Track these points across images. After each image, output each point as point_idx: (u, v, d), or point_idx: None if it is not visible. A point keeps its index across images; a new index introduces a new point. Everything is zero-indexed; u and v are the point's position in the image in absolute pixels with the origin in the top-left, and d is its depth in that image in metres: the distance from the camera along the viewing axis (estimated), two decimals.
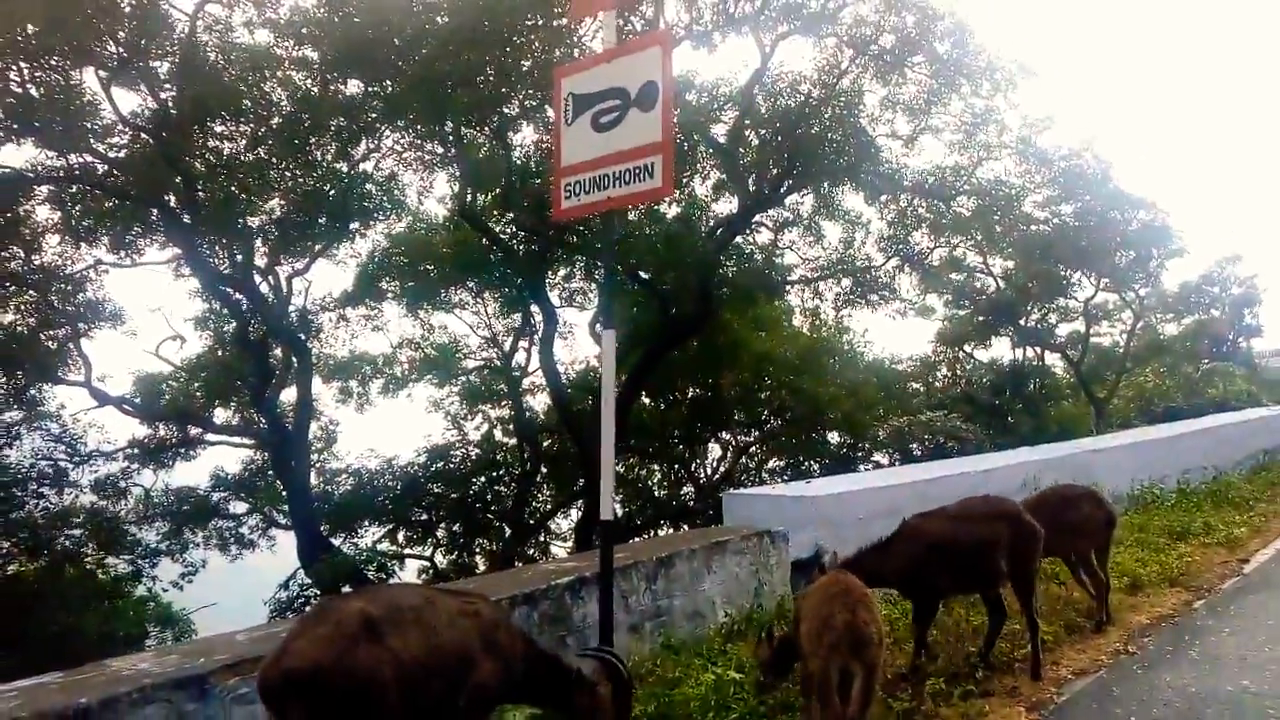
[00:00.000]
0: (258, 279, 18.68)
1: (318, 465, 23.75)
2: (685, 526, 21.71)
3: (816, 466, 26.32)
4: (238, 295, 17.82)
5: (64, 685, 3.69)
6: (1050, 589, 7.59)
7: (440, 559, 22.78)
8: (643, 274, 17.98)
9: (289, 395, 23.05)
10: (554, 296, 24.93)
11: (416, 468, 21.87)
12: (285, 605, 17.82)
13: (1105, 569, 7.16)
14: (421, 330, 25.99)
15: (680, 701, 5.01)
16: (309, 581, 17.74)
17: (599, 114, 5.32)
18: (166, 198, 15.86)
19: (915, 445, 26.19)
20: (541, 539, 25.60)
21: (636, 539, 17.06)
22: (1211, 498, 11.90)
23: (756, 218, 20.64)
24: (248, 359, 18.87)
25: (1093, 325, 30.83)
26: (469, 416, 29.37)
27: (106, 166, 15.55)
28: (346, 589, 17.25)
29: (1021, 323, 28.94)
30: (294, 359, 19.10)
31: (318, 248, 19.69)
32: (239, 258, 17.59)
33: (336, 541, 19.92)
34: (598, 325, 24.46)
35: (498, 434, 27.95)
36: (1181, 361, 30.25)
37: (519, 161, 17.59)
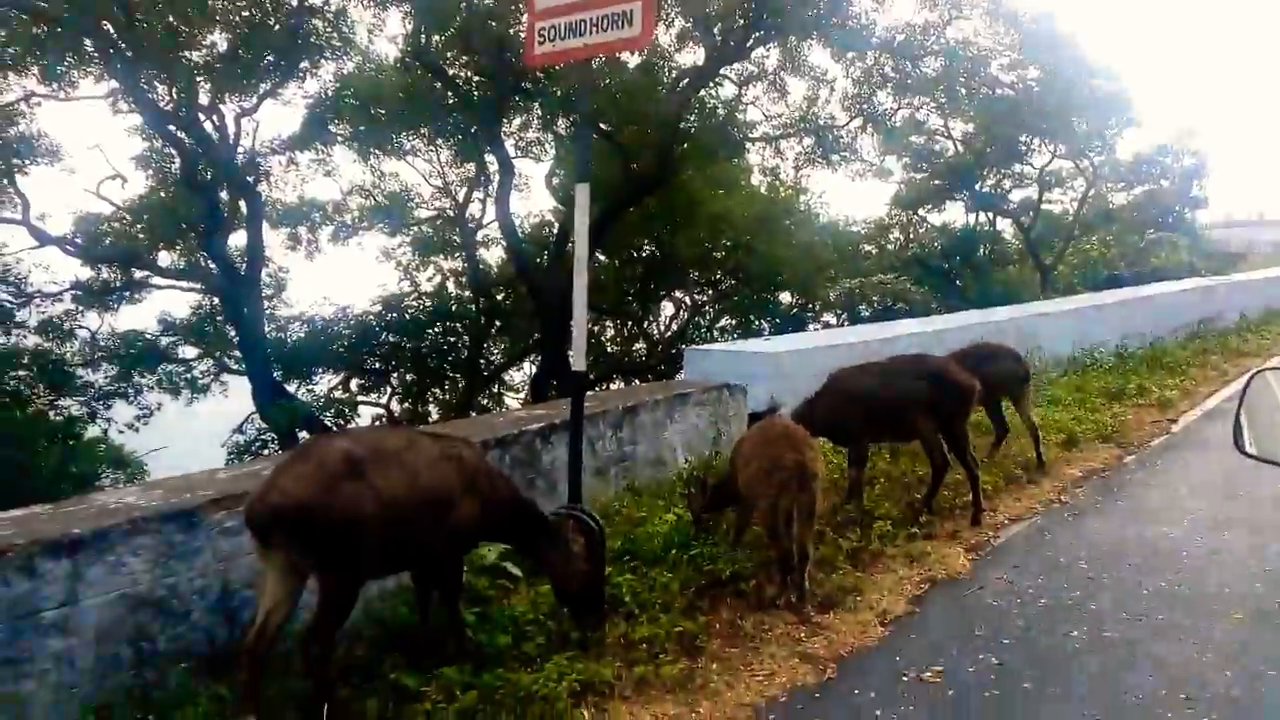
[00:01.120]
0: (201, 118, 17.92)
1: (268, 312, 23.52)
2: (636, 381, 22.09)
3: (767, 326, 26.72)
4: (181, 134, 17.07)
5: (54, 516, 3.78)
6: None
7: (395, 407, 23.00)
8: (604, 126, 17.54)
9: (237, 240, 22.63)
10: (510, 146, 24.43)
11: (370, 317, 21.73)
12: (243, 449, 17.96)
13: (1029, 417, 7.75)
14: (372, 177, 25.35)
15: (644, 538, 5.30)
16: (265, 426, 17.82)
17: None
18: (104, 26, 14.91)
19: (864, 307, 26.69)
20: (496, 390, 25.93)
21: (592, 392, 17.38)
22: (1147, 362, 12.46)
23: (721, 72, 20.16)
24: (195, 202, 18.27)
25: (1046, 193, 31.09)
26: (421, 267, 29.12)
27: None
28: (303, 434, 17.48)
29: (976, 188, 29.03)
30: (242, 203, 18.49)
31: (264, 87, 18.82)
32: (182, 94, 16.76)
33: (291, 388, 19.94)
34: (554, 178, 24.12)
35: (450, 286, 27.83)
36: (1128, 230, 30.77)
37: (476, 1, 16.78)
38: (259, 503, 3.54)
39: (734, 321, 29.74)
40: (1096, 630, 4.54)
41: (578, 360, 5.42)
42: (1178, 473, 7.56)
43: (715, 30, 17.34)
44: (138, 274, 21.84)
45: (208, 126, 18.16)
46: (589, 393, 8.49)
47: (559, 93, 17.39)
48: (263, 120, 20.54)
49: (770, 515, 4.68)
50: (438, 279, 28.67)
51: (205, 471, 4.69)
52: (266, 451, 17.45)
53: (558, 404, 6.69)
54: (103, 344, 21.96)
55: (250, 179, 18.72)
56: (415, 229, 27.41)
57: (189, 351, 22.86)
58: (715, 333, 29.27)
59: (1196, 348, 14.17)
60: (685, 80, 17.91)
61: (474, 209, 26.06)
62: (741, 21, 16.82)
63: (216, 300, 20.71)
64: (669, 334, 29.01)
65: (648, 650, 4.15)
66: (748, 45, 17.28)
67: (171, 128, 16.85)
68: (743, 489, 5.01)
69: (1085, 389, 10.39)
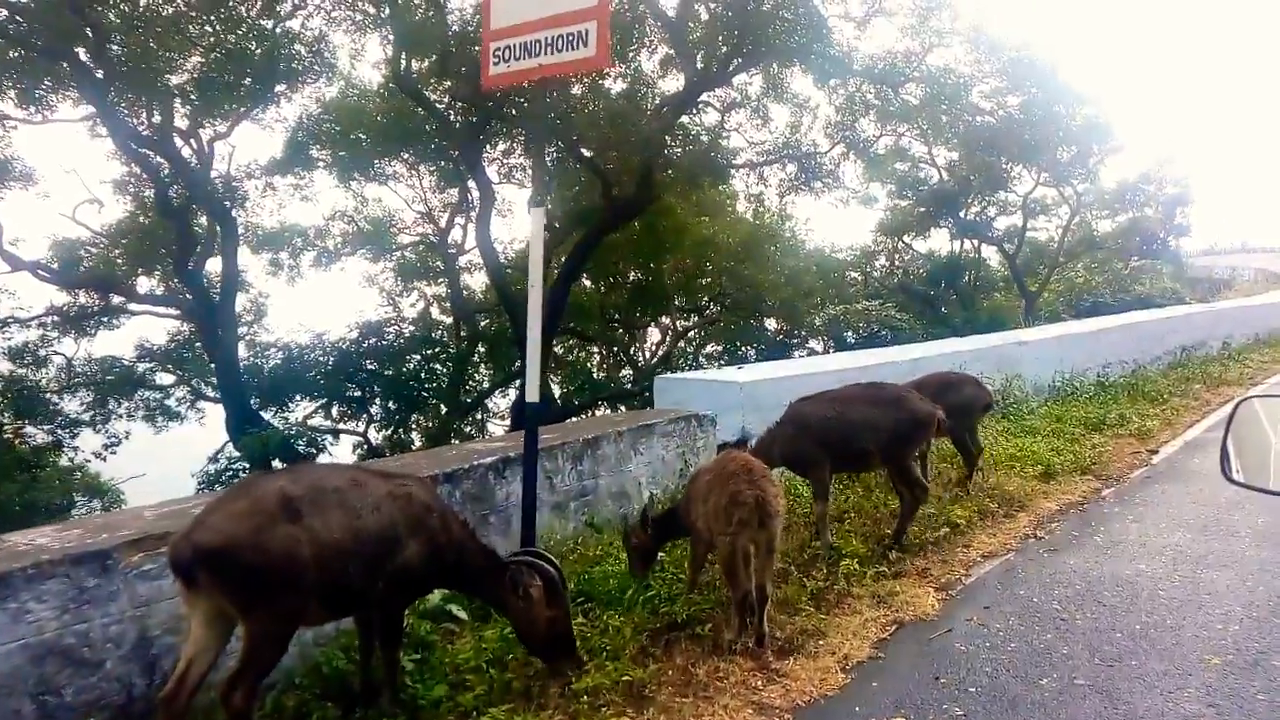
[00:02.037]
0: (179, 142, 17.75)
1: (248, 338, 23.28)
2: (622, 408, 21.88)
3: (753, 352, 26.60)
4: (157, 158, 16.89)
5: None
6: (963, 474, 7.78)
7: (375, 435, 22.72)
8: (585, 152, 17.44)
9: (216, 265, 22.47)
10: (493, 172, 24.32)
11: (347, 343, 21.43)
12: (213, 478, 17.63)
13: (977, 440, 7.72)
14: (354, 202, 25.26)
15: (601, 579, 5.07)
16: (238, 455, 17.50)
17: None
18: (76, 50, 14.76)
19: (850, 333, 26.59)
20: (479, 417, 25.68)
21: (573, 419, 17.12)
22: (1128, 390, 12.30)
23: (704, 98, 20.16)
24: (169, 227, 18.06)
25: (1030, 220, 31.23)
26: (405, 293, 29.00)
27: (7, 11, 14.37)
28: (277, 464, 17.18)
29: (961, 215, 29.06)
30: (218, 228, 18.26)
31: (242, 110, 18.68)
32: (157, 118, 16.60)
33: (268, 415, 19.68)
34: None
35: (435, 312, 27.67)
36: (1112, 258, 30.84)
37: (456, 27, 16.71)
38: (184, 541, 3.33)
39: (720, 348, 29.69)
40: (1068, 677, 4.33)
41: (530, 390, 5.24)
42: (1157, 506, 7.37)
43: (697, 56, 17.33)
44: (115, 300, 21.64)
45: (185, 151, 18.05)
46: (556, 424, 8.32)
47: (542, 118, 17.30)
48: (242, 145, 20.37)
49: (729, 554, 4.45)
50: (421, 304, 28.63)
51: (131, 509, 4.47)
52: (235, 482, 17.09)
53: (516, 436, 6.46)
54: (79, 370, 21.77)
55: (227, 203, 18.46)
56: (398, 254, 27.32)
57: (166, 378, 22.66)
58: (702, 359, 29.22)
59: (1178, 376, 14.02)
60: (667, 107, 17.81)
61: (456, 234, 26.07)
62: (724, 49, 16.81)
63: (192, 326, 20.47)
64: (654, 360, 28.91)
65: (590, 701, 3.92)
66: (730, 71, 17.20)
67: (146, 152, 16.65)
68: (699, 526, 4.78)
69: (1064, 418, 10.19)
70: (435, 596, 4.60)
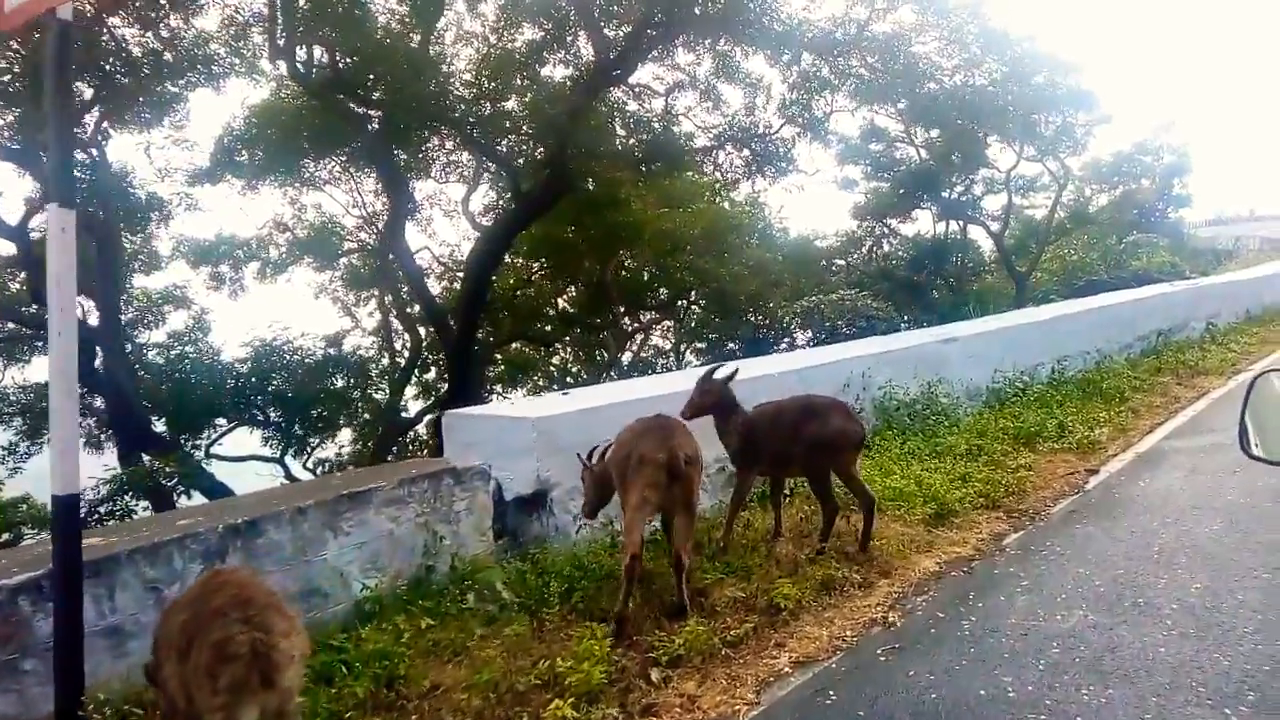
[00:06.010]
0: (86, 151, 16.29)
1: (193, 357, 21.84)
2: None
3: (737, 349, 25.09)
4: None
5: None
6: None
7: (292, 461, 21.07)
8: (482, 142, 15.77)
9: (147, 281, 21.23)
10: (436, 170, 22.81)
11: (244, 364, 19.63)
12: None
13: (862, 487, 5.82)
14: (290, 209, 23.82)
15: None
16: (99, 495, 15.77)
17: None
18: None
19: (842, 325, 24.94)
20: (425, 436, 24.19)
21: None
22: (1082, 389, 10.50)
23: (646, 81, 18.59)
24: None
25: (1022, 197, 29.36)
26: (360, 303, 27.65)
27: None
28: (196, 495, 15.65)
29: (944, 195, 27.25)
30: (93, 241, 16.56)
31: (150, 115, 17.20)
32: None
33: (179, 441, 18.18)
34: (469, 202, 22.72)
35: (395, 321, 26.28)
36: (1107, 233, 28.85)
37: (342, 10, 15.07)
38: None
39: (703, 345, 28.24)
40: None
41: (57, 479, 3.60)
42: (1068, 563, 5.59)
43: (613, 35, 15.66)
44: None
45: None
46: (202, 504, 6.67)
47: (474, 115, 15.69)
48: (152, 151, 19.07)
49: None
50: (378, 315, 27.27)
51: None
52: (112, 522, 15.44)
53: (112, 530, 4.67)
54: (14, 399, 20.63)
55: (101, 215, 16.71)
56: (345, 262, 25.91)
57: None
58: (689, 354, 27.81)
59: (1148, 367, 12.15)
60: (575, 90, 16.11)
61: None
62: (634, 21, 15.07)
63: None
64: (630, 360, 27.56)
65: None
66: (643, 46, 15.50)
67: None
68: (172, 690, 3.04)
69: (988, 432, 8.44)
70: None
